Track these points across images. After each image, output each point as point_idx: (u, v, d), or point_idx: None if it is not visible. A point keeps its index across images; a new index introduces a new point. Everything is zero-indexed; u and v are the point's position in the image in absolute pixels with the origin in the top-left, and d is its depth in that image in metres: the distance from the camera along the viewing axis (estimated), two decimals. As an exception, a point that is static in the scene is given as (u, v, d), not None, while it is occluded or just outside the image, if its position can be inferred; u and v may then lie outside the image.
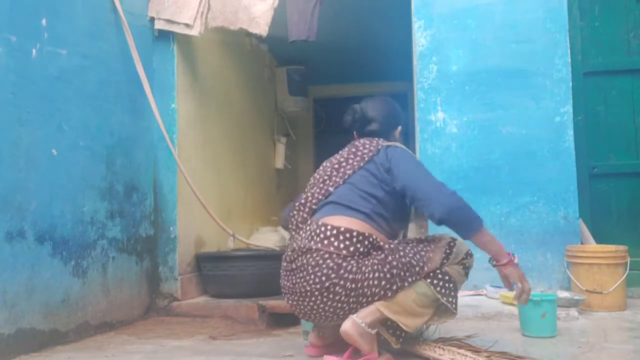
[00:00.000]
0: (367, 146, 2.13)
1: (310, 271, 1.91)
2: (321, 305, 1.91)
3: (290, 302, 2.02)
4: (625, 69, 3.29)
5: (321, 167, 2.19)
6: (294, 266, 1.98)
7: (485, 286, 3.09)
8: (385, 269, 1.89)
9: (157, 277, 3.29)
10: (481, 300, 2.97)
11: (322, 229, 1.93)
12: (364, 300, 1.89)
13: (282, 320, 2.84)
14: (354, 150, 2.14)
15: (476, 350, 1.96)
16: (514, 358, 1.91)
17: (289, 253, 2.03)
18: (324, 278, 1.88)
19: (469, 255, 2.07)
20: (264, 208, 5.03)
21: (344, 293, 1.87)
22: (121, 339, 2.58)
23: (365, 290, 1.87)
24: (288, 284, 2.01)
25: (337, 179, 2.08)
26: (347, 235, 1.90)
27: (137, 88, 3.13)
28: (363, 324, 1.87)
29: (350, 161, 2.10)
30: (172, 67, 3.39)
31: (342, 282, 1.87)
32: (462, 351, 1.95)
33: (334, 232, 1.91)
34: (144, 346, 2.41)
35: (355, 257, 1.89)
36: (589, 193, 3.24)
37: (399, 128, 2.31)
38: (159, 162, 3.33)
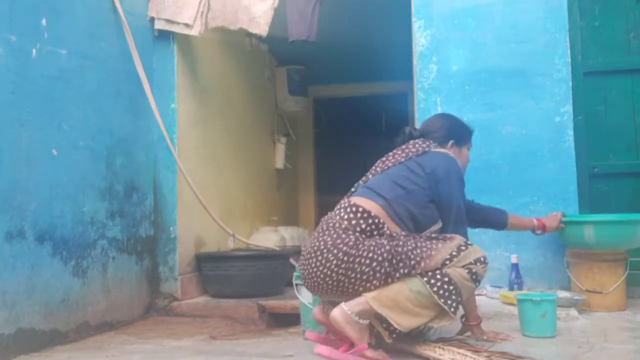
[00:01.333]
0: (417, 145, 2.23)
1: (318, 235, 2.02)
2: (314, 269, 1.96)
3: (299, 264, 2.11)
4: (625, 69, 3.28)
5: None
6: (312, 238, 2.08)
7: (485, 286, 3.08)
8: (379, 252, 1.91)
9: (157, 277, 3.29)
10: (481, 300, 2.97)
11: (343, 204, 2.08)
12: (353, 275, 1.91)
13: (282, 320, 2.84)
14: (404, 147, 2.25)
15: (476, 350, 1.96)
16: (514, 358, 1.90)
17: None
18: (322, 243, 1.97)
19: (478, 261, 2.00)
20: (264, 208, 5.03)
21: (335, 262, 1.92)
22: (121, 339, 2.58)
23: (356, 266, 1.90)
24: (303, 250, 2.11)
25: (378, 169, 2.22)
26: (354, 209, 2.01)
27: (137, 88, 3.13)
28: (350, 312, 1.89)
29: (397, 156, 2.22)
30: (172, 67, 3.39)
31: (335, 251, 1.93)
32: (462, 351, 1.95)
33: (345, 205, 2.05)
34: (144, 346, 2.41)
35: (357, 234, 1.96)
36: (589, 193, 3.24)
37: (450, 142, 2.34)
38: (159, 162, 3.33)
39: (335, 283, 1.93)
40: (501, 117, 3.22)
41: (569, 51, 3.20)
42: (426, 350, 2.00)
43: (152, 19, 3.34)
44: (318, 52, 5.33)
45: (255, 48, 4.92)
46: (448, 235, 2.04)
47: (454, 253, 1.97)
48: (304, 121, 6.79)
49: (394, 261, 1.90)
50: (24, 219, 2.30)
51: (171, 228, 3.31)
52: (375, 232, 1.98)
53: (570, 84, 3.18)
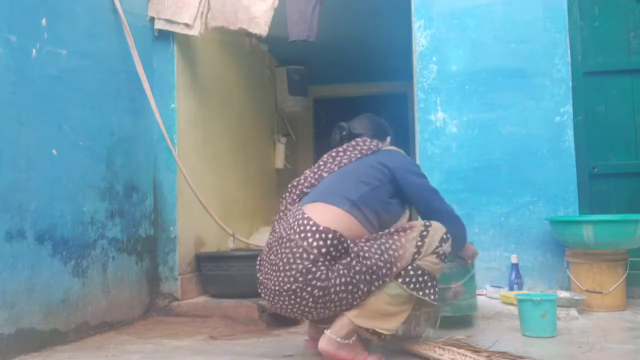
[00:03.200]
0: (367, 143, 2.19)
1: (282, 268, 1.89)
2: (289, 307, 1.91)
3: (263, 295, 2.02)
4: (625, 69, 3.29)
5: (320, 159, 2.23)
6: (271, 257, 1.96)
7: (485, 286, 3.09)
8: (351, 274, 1.85)
9: (157, 277, 3.29)
10: (481, 300, 2.96)
11: (304, 221, 1.91)
12: (332, 305, 1.87)
13: (282, 320, 2.84)
14: (353, 144, 2.20)
15: (476, 350, 1.96)
16: (514, 358, 1.91)
17: (271, 240, 2.02)
18: (292, 279, 1.86)
19: (443, 241, 1.97)
20: (264, 208, 5.03)
21: (311, 299, 1.86)
22: (121, 339, 2.57)
23: (333, 296, 1.85)
24: (261, 278, 2.01)
25: (332, 166, 2.13)
26: (324, 236, 1.86)
27: (137, 88, 3.13)
28: (338, 339, 1.88)
29: (348, 153, 2.16)
30: (172, 67, 3.39)
31: (309, 289, 1.84)
32: (462, 351, 1.95)
33: (313, 228, 1.87)
34: (144, 346, 2.41)
35: (327, 263, 1.85)
36: (589, 193, 3.24)
37: (388, 139, 2.35)
38: (159, 162, 3.33)
39: (316, 313, 1.91)
40: (501, 117, 3.22)
41: (569, 51, 3.20)
42: (426, 351, 2.01)
43: (152, 19, 3.34)
44: (318, 52, 5.34)
45: (255, 48, 4.93)
46: (406, 225, 1.98)
47: (419, 243, 1.93)
48: (304, 121, 6.80)
49: (367, 277, 1.86)
50: (24, 219, 2.30)
51: (171, 228, 3.31)
52: (343, 253, 1.88)
53: (570, 84, 3.18)
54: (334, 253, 1.86)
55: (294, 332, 2.65)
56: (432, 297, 1.94)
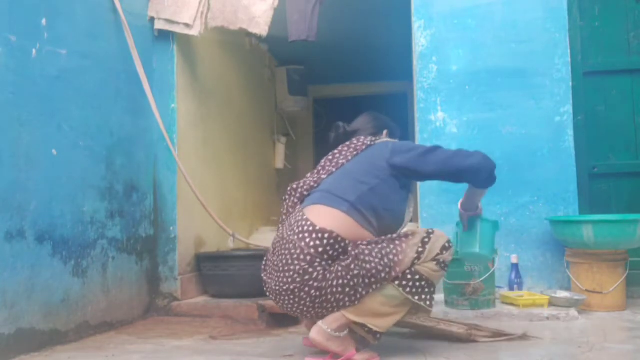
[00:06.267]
0: (361, 140, 2.19)
1: (281, 269, 1.94)
2: (289, 306, 1.97)
3: (267, 294, 2.07)
4: (625, 69, 3.29)
5: (319, 164, 2.24)
6: (274, 258, 2.01)
7: (485, 286, 3.08)
8: (349, 277, 1.87)
9: (157, 277, 3.29)
10: (481, 300, 2.97)
11: (302, 222, 1.94)
12: (329, 305, 1.91)
13: (282, 320, 2.84)
14: (348, 144, 2.21)
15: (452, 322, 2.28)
16: (492, 333, 2.17)
17: (274, 241, 2.07)
18: (290, 280, 1.91)
19: (444, 249, 1.97)
20: (264, 208, 5.03)
21: (308, 299, 1.91)
22: (121, 339, 2.57)
23: (329, 297, 1.89)
24: (265, 278, 2.06)
25: (330, 168, 2.14)
26: (320, 235, 1.89)
27: (137, 88, 3.13)
28: (329, 330, 1.92)
29: (344, 153, 2.16)
30: (172, 67, 3.38)
31: (306, 289, 1.89)
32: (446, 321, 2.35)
33: (310, 228, 1.91)
34: (144, 346, 2.41)
35: (324, 263, 1.88)
36: (589, 193, 3.24)
37: (385, 132, 2.31)
38: (159, 162, 3.33)
39: (315, 313, 1.95)
40: (501, 117, 3.22)
41: (569, 51, 3.20)
42: (412, 320, 2.21)
43: (152, 19, 3.34)
44: (318, 52, 5.34)
45: (255, 48, 4.93)
46: (409, 231, 1.99)
47: (420, 249, 1.94)
48: (304, 121, 6.80)
49: (366, 280, 1.88)
50: (24, 219, 2.30)
51: (171, 228, 3.31)
52: (341, 253, 1.91)
53: (570, 84, 3.18)
54: (331, 252, 1.89)
55: (294, 332, 2.66)
56: (427, 302, 1.95)
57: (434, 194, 3.23)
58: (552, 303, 2.76)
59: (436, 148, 2.07)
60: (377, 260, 1.89)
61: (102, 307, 2.77)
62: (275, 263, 1.98)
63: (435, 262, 1.96)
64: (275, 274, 1.97)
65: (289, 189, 2.18)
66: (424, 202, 3.25)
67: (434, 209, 3.19)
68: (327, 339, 1.92)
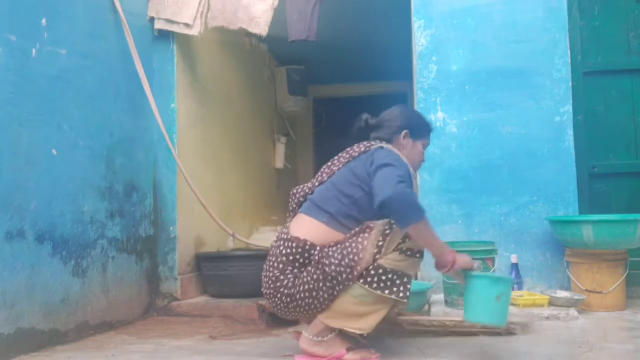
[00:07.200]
0: (361, 146, 2.13)
1: (264, 274, 2.07)
2: (274, 307, 2.07)
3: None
4: (625, 69, 3.29)
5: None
6: (266, 262, 2.11)
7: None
8: (312, 282, 1.94)
9: (157, 277, 3.29)
10: (481, 300, 2.96)
11: (283, 230, 2.08)
12: (302, 310, 1.99)
13: (282, 320, 2.83)
14: (348, 149, 2.16)
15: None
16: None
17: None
18: (267, 285, 2.05)
19: (407, 237, 1.91)
20: (264, 208, 5.03)
21: (282, 304, 2.02)
22: (121, 339, 2.58)
23: (300, 302, 1.97)
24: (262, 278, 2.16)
25: (324, 176, 2.15)
26: (290, 244, 2.00)
27: (137, 88, 3.13)
28: (311, 337, 1.99)
29: (341, 159, 2.15)
30: (172, 67, 3.39)
31: (279, 296, 2.00)
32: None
33: (285, 236, 2.04)
34: (144, 346, 2.41)
35: (295, 271, 1.99)
36: (589, 193, 3.24)
37: (404, 132, 2.18)
38: (159, 162, 3.33)
39: (292, 316, 2.05)
40: (501, 117, 3.22)
41: (569, 51, 3.20)
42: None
43: (152, 19, 3.34)
44: (318, 52, 5.34)
45: (255, 48, 4.93)
46: (371, 224, 1.91)
47: (381, 243, 1.89)
48: (304, 121, 6.80)
49: (327, 284, 1.91)
50: (24, 219, 2.30)
51: (171, 228, 3.31)
52: (311, 261, 1.97)
53: (570, 84, 3.18)
54: (301, 260, 1.98)
55: (293, 332, 2.65)
56: (400, 294, 1.90)
57: (434, 193, 3.23)
58: (552, 303, 2.75)
59: (385, 165, 1.93)
60: (337, 262, 1.90)
61: (102, 307, 2.77)
62: (264, 267, 2.09)
63: (398, 252, 1.91)
64: (263, 278, 2.09)
65: (290, 193, 2.23)
66: (424, 202, 3.24)
67: (434, 208, 3.19)
68: (311, 346, 1.99)
